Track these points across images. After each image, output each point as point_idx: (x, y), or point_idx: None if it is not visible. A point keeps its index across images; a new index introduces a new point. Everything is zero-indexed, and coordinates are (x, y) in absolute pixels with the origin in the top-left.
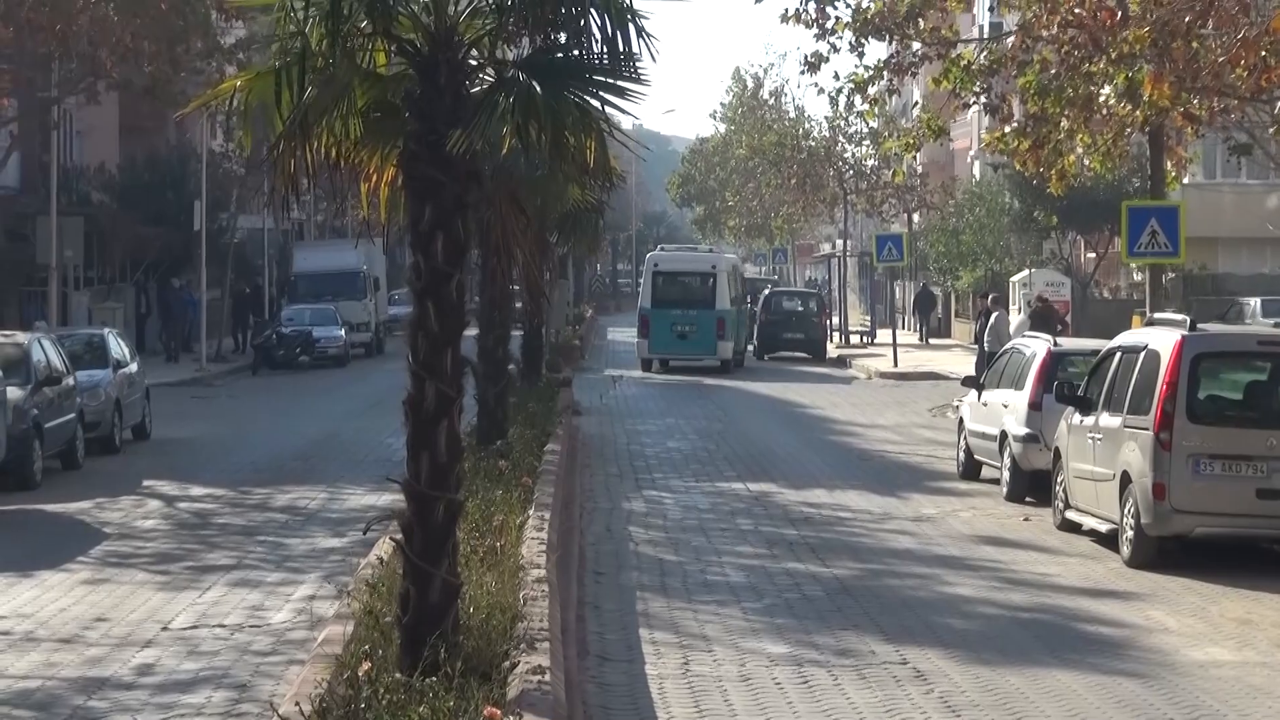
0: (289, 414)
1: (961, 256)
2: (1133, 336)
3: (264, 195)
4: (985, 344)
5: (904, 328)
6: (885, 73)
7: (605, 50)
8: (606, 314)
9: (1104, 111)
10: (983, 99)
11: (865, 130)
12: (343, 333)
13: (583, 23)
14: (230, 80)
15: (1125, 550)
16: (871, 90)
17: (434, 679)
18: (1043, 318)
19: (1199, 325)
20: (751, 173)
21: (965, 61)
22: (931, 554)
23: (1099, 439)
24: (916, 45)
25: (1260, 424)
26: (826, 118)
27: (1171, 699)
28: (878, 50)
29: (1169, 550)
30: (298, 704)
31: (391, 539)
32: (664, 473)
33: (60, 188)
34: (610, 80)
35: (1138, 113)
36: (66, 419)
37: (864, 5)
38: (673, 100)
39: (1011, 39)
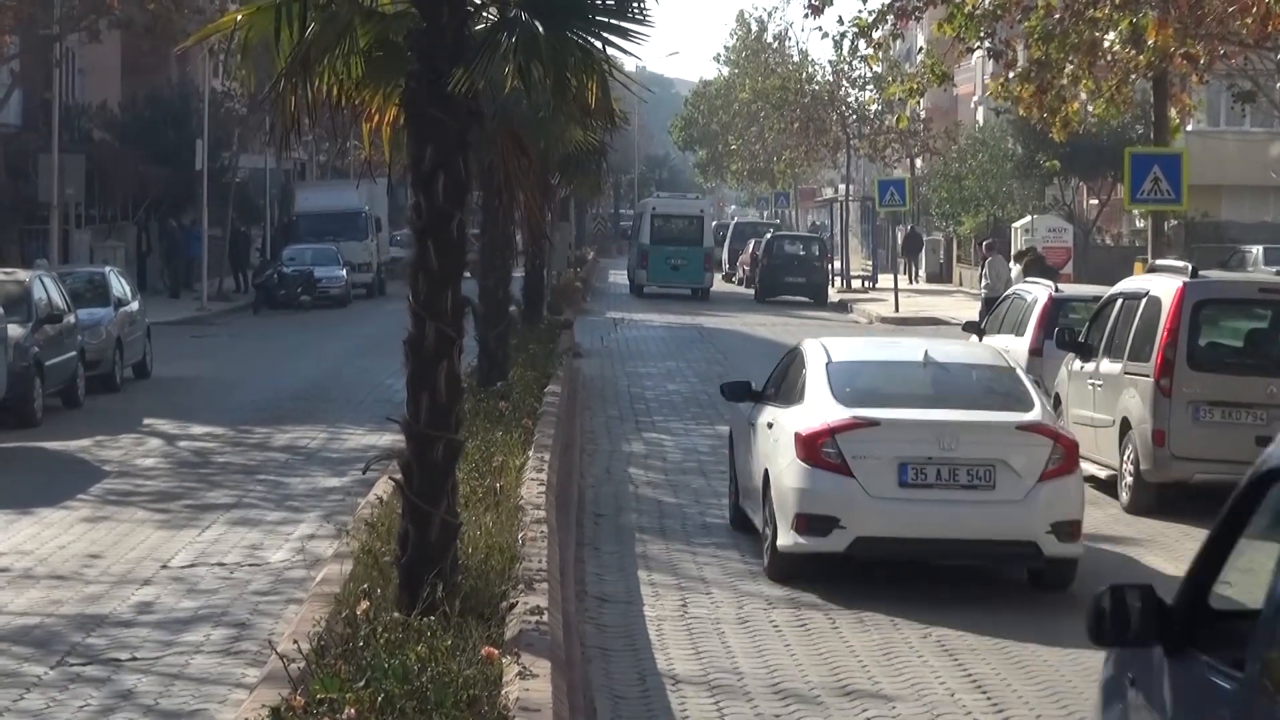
0: (290, 354)
1: (964, 202)
2: (1134, 283)
3: (266, 134)
4: (982, 288)
5: (905, 272)
6: (889, 17)
7: None
8: (608, 256)
9: (1108, 57)
10: (986, 44)
11: (869, 75)
12: (344, 273)
13: None
14: (230, 15)
15: (1124, 496)
16: (875, 34)
17: (432, 618)
18: (1038, 266)
19: (1200, 272)
20: (754, 116)
21: (969, 6)
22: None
23: (1099, 385)
24: None
25: (1261, 371)
26: (830, 62)
27: None
28: None
29: (1168, 497)
30: (296, 642)
31: (391, 479)
32: (664, 415)
33: (62, 126)
34: (613, 21)
35: (1141, 58)
36: (67, 357)
37: None
38: (676, 43)
39: None
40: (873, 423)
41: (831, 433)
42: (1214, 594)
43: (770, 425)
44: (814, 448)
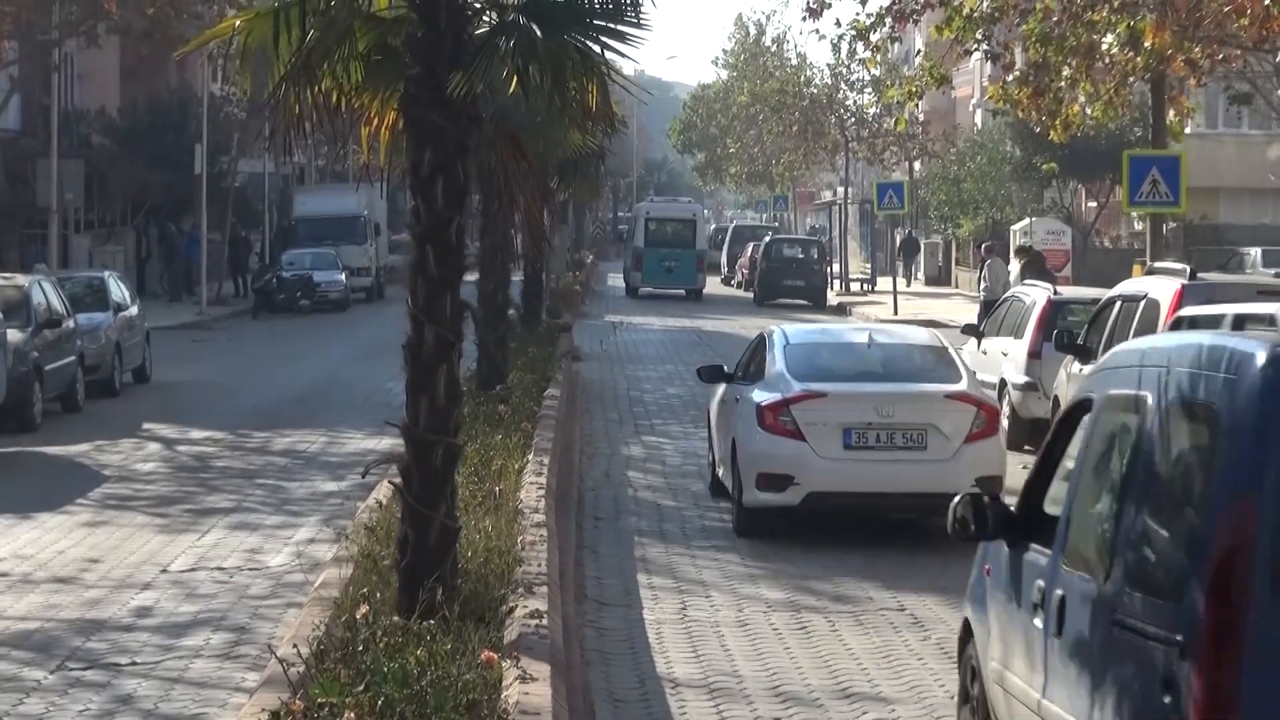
0: (289, 358)
1: (962, 205)
2: (1133, 285)
3: (264, 139)
4: (981, 291)
5: (903, 275)
6: (887, 19)
7: None
8: (607, 260)
9: (1106, 60)
10: (985, 47)
11: (867, 78)
12: (343, 277)
13: None
14: (229, 20)
15: None
16: (873, 37)
17: (431, 622)
18: (1035, 267)
19: (1199, 275)
20: (753, 120)
21: (968, 9)
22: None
23: None
24: None
25: None
26: (828, 65)
27: None
28: None
29: None
30: (295, 646)
31: (390, 483)
32: (663, 419)
33: (61, 130)
34: (611, 24)
35: (1138, 59)
36: (67, 361)
37: None
38: (674, 46)
39: None
40: (821, 395)
41: (787, 404)
42: (1048, 500)
43: (737, 400)
44: (772, 417)
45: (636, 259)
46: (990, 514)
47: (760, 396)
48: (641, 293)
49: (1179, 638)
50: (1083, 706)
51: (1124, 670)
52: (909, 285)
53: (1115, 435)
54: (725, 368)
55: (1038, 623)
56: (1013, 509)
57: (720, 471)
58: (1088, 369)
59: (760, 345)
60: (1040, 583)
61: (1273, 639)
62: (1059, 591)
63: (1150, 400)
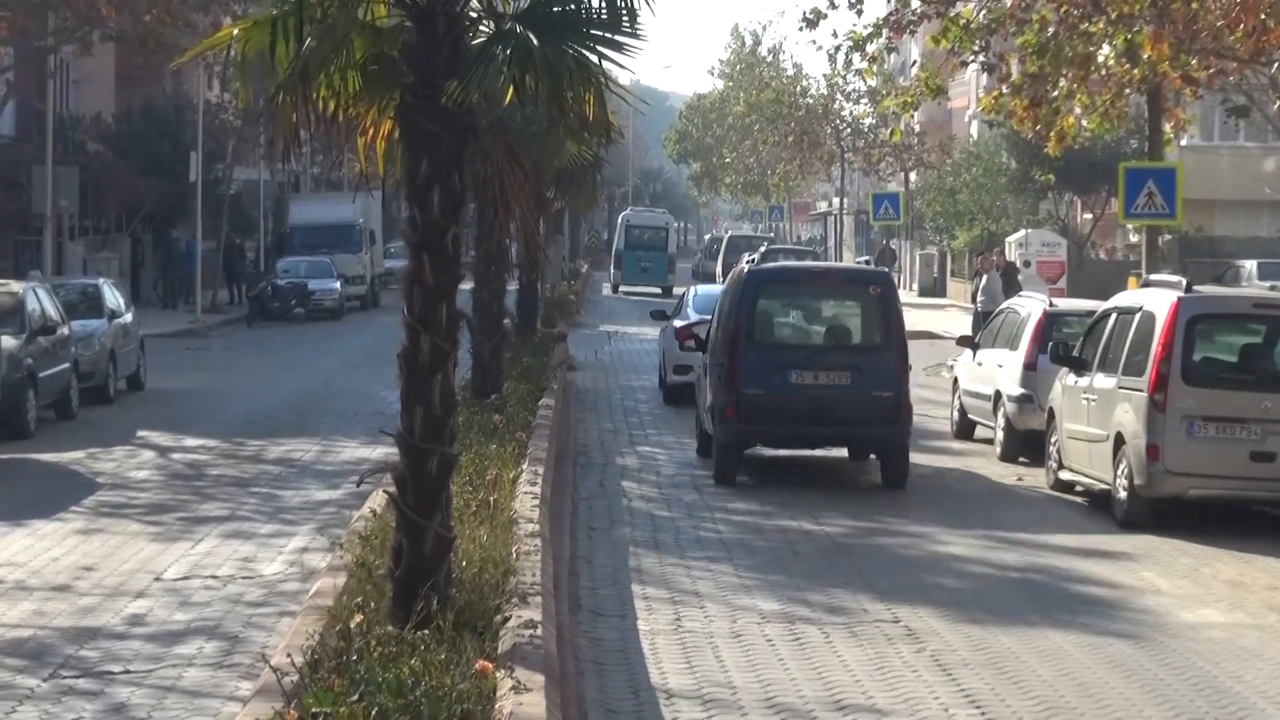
0: (283, 366)
1: (958, 216)
2: (1128, 298)
3: (260, 147)
4: (978, 303)
5: (901, 287)
6: (884, 30)
7: (604, 3)
8: (602, 269)
9: (1102, 72)
10: (981, 58)
11: (863, 88)
12: (338, 285)
13: None
14: (226, 29)
15: (1118, 511)
16: (870, 48)
17: (426, 632)
18: (1008, 278)
19: (1195, 287)
20: (749, 130)
21: (964, 20)
22: (924, 513)
23: (1093, 400)
24: (915, 2)
25: (1255, 387)
26: (825, 75)
27: (1162, 660)
28: (877, 7)
29: (1162, 512)
30: (289, 655)
31: (385, 491)
32: (658, 429)
33: (56, 137)
34: (608, 34)
35: (1135, 71)
36: (61, 369)
37: None
38: (670, 56)
39: None
40: (707, 320)
41: (690, 326)
42: None
43: (671, 331)
44: (683, 334)
45: (618, 259)
46: None
47: (677, 323)
48: (634, 300)
49: None
50: None
51: None
52: None
53: None
54: (667, 312)
55: None
56: None
57: (666, 377)
58: (1082, 380)
59: (683, 297)
60: None
61: None
62: None
63: None
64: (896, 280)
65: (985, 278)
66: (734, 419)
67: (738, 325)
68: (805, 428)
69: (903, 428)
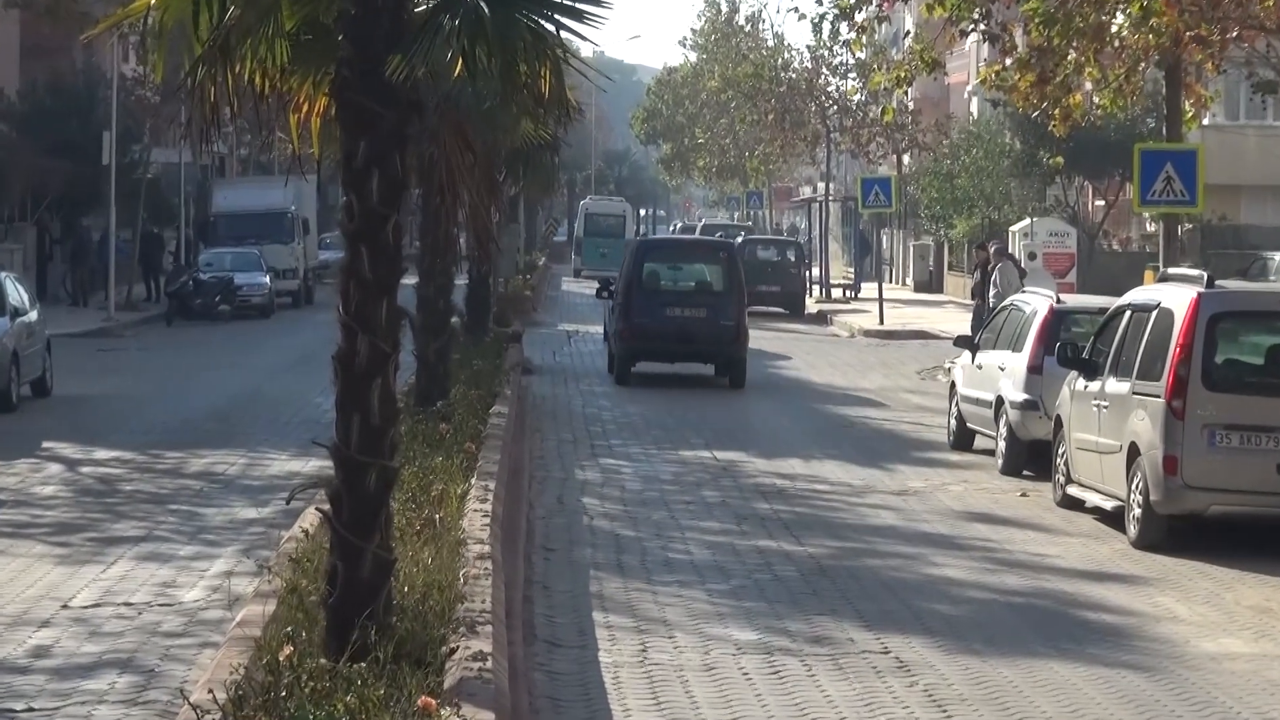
0: (206, 369)
1: (956, 203)
2: (1144, 294)
3: (180, 126)
4: (990, 299)
5: (892, 281)
6: None
7: None
8: (561, 262)
9: (1116, 43)
10: (982, 27)
11: (851, 62)
12: (267, 279)
13: None
14: None
15: (1132, 530)
16: (858, 17)
17: (363, 665)
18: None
19: (1217, 282)
20: (724, 107)
21: None
22: (917, 532)
23: (1105, 407)
24: None
25: None
26: (809, 47)
27: (1181, 694)
28: None
29: (1180, 530)
30: (211, 691)
31: (318, 509)
32: (623, 439)
33: None
34: (568, 1)
35: (1151, 39)
36: None
37: None
38: (638, 25)
39: None
40: None
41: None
42: None
43: (607, 305)
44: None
45: (578, 246)
46: None
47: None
48: (598, 301)
49: None
50: None
51: None
52: (859, 292)
53: None
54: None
55: None
56: None
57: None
58: (1093, 385)
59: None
60: None
61: None
62: None
63: None
64: (885, 274)
65: (998, 270)
66: (628, 339)
67: (631, 276)
68: (675, 345)
69: (741, 347)
